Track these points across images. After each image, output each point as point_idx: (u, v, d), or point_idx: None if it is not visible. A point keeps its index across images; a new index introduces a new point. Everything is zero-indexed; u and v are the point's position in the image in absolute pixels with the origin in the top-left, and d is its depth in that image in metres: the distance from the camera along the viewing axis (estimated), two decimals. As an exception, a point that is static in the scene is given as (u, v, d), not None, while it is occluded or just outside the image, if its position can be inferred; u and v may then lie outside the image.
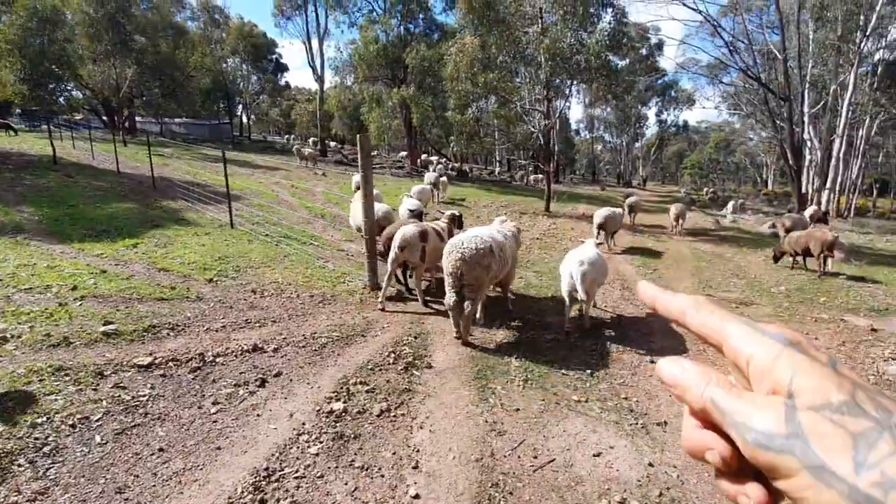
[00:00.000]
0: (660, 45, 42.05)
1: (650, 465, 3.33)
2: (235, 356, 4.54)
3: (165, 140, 27.70)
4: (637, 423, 3.85)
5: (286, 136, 49.15)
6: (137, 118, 34.87)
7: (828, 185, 25.74)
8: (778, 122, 24.64)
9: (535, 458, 3.36)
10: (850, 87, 23.82)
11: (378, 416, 3.74)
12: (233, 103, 39.00)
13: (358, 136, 6.23)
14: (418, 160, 27.52)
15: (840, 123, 24.98)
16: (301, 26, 32.88)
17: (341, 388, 4.07)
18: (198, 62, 31.75)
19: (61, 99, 33.31)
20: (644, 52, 42.01)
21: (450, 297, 4.92)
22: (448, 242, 5.09)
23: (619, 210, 11.54)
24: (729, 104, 40.37)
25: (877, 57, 28.90)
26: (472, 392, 4.19)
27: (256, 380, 4.11)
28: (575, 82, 17.80)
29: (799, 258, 10.15)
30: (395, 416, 3.77)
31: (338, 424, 3.58)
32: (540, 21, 16.14)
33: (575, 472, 3.24)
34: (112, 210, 10.32)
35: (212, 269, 6.88)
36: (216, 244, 8.30)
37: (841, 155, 25.65)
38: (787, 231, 11.87)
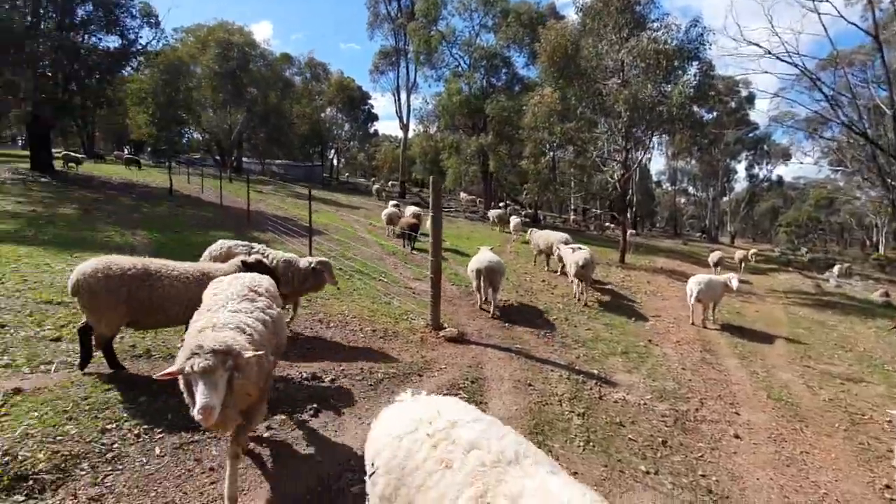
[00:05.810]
0: (750, 98, 40.08)
1: (731, 561, 2.84)
2: (294, 383, 4.64)
3: (265, 179, 30.60)
4: (716, 509, 3.34)
5: (372, 179, 52.29)
6: (244, 159, 39.09)
7: (964, 253, 22.23)
8: (889, 180, 21.99)
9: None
10: None
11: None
12: (326, 148, 42.52)
13: (430, 177, 6.41)
14: (492, 205, 27.88)
15: (977, 184, 21.78)
16: (392, 80, 35.70)
17: (391, 427, 3.97)
18: (300, 111, 35.29)
19: (184, 140, 38.57)
20: (733, 104, 40.21)
21: None
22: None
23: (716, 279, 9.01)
24: (831, 160, 36.90)
25: None
26: (527, 448, 3.89)
27: (310, 409, 4.13)
28: (656, 133, 17.29)
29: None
30: (442, 463, 3.58)
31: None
32: (621, 74, 16.06)
33: (638, 556, 2.84)
34: (210, 237, 11.34)
35: (285, 298, 7.23)
36: (292, 274, 8.77)
37: (980, 219, 22.20)
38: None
